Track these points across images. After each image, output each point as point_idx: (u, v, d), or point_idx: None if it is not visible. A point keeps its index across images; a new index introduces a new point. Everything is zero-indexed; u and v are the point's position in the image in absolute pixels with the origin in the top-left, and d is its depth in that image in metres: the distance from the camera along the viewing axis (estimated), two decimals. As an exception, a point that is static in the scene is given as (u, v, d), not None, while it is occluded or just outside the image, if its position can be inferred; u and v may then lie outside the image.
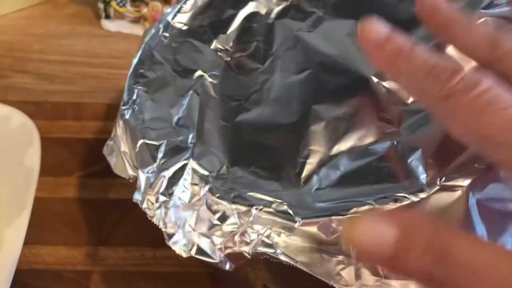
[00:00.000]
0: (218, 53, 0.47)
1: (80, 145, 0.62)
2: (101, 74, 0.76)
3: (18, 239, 0.50)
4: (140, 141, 0.39)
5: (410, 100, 0.41)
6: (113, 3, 0.79)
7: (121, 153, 0.41)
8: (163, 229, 0.37)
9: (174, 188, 0.37)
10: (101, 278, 0.51)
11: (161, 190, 0.37)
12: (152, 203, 0.37)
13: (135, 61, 0.46)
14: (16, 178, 0.54)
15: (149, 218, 0.38)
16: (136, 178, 0.39)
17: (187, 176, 0.37)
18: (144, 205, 0.38)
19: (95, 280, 0.51)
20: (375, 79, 0.42)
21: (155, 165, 0.38)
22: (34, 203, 0.52)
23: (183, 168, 0.37)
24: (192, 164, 0.37)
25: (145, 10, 0.78)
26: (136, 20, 0.81)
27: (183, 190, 0.36)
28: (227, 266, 0.35)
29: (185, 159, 0.38)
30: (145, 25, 0.80)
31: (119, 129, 0.42)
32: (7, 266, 0.48)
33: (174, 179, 0.37)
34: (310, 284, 0.40)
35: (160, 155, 0.38)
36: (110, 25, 0.82)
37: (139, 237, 0.54)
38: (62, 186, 0.58)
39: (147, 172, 0.38)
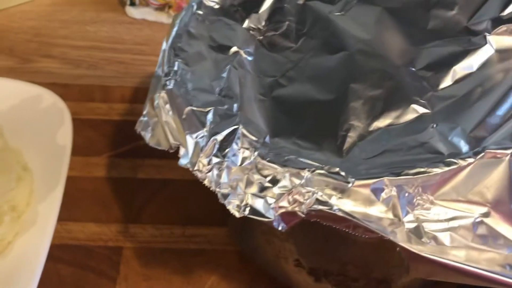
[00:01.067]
0: (251, 31, 0.48)
1: (109, 126, 0.63)
2: (126, 60, 0.77)
3: (52, 215, 0.51)
4: (188, 108, 0.40)
5: (441, 86, 0.42)
6: (139, -10, 0.80)
7: (161, 123, 0.42)
8: (217, 190, 0.38)
9: (227, 150, 0.37)
10: (131, 254, 0.52)
11: (213, 153, 0.38)
12: (204, 165, 0.38)
13: (173, 33, 0.47)
14: (49, 156, 0.55)
15: (200, 180, 0.39)
16: (177, 147, 0.40)
17: (237, 140, 0.37)
18: (196, 168, 0.38)
19: (125, 256, 0.52)
20: (408, 67, 0.43)
21: (205, 129, 0.38)
22: (65, 181, 0.53)
23: (233, 132, 0.38)
24: (242, 129, 0.38)
25: (170, -3, 0.79)
26: (161, 8, 0.82)
27: (234, 154, 0.37)
28: (280, 226, 0.36)
29: (234, 125, 0.38)
30: (170, 12, 0.81)
31: (160, 100, 0.42)
32: (42, 241, 0.49)
33: (226, 142, 0.38)
34: (341, 255, 0.41)
35: (209, 120, 0.38)
36: (134, 12, 0.83)
37: (168, 216, 0.55)
38: (92, 165, 0.59)
39: (196, 137, 0.38)
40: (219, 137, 0.38)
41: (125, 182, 0.58)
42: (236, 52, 0.45)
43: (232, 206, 0.37)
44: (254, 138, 0.38)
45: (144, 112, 0.47)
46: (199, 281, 0.50)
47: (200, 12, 0.48)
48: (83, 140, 0.61)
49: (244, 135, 0.37)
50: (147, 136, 0.44)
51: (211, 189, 0.39)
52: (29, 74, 0.72)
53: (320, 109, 0.41)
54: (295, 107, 0.42)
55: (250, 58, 0.45)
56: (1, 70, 0.73)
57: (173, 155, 0.62)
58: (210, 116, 0.39)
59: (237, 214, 0.37)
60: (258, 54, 0.45)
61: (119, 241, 0.53)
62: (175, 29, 0.47)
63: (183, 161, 0.39)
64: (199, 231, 0.54)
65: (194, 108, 0.40)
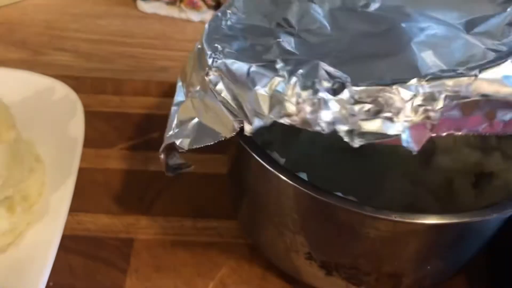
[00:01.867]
0: None
1: (120, 119, 0.63)
2: (137, 54, 0.77)
3: (63, 205, 0.51)
4: (252, 65, 0.37)
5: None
6: (151, -16, 0.80)
7: (215, 110, 0.39)
8: (317, 128, 0.35)
9: (316, 86, 0.35)
10: (142, 246, 0.52)
11: (300, 92, 0.35)
12: (294, 104, 0.35)
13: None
14: (61, 148, 0.55)
15: (295, 124, 0.36)
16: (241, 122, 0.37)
17: (321, 74, 0.35)
18: (283, 113, 0.35)
19: (136, 248, 0.52)
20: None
21: (280, 74, 0.36)
22: (77, 173, 0.53)
23: (315, 67, 0.36)
24: (323, 65, 0.36)
25: (182, -9, 0.80)
26: (172, 2, 0.82)
27: (323, 88, 0.35)
28: (413, 145, 0.33)
29: (313, 63, 0.36)
30: (181, 7, 0.81)
31: (215, 74, 0.38)
32: (54, 231, 0.49)
33: (310, 79, 0.35)
34: (353, 248, 0.41)
35: (280, 65, 0.36)
36: (146, 7, 0.83)
37: (179, 208, 0.55)
38: (104, 157, 0.59)
39: (271, 87, 0.35)
40: (300, 76, 0.35)
41: (137, 174, 0.58)
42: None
43: (344, 133, 0.34)
44: (334, 70, 0.35)
45: (193, 90, 0.41)
46: (209, 273, 0.51)
47: None
48: (94, 133, 0.61)
49: (324, 69, 0.35)
50: (185, 141, 0.40)
51: (309, 129, 0.35)
52: (41, 66, 0.73)
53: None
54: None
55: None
56: (14, 62, 0.73)
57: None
58: (280, 64, 0.36)
59: (356, 144, 0.34)
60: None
61: (130, 232, 0.53)
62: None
63: (259, 123, 0.36)
64: (209, 224, 0.54)
65: (257, 64, 0.37)
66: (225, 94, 0.38)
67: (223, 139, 0.38)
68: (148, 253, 0.52)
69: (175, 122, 0.42)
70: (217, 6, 0.81)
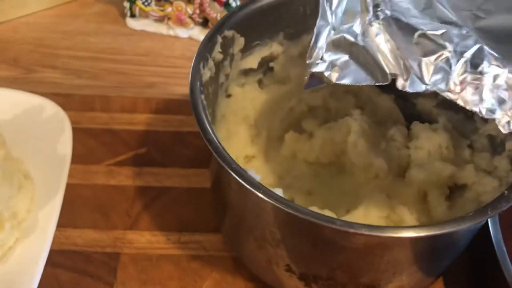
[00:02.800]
0: None
1: (108, 135, 0.65)
2: (126, 70, 0.78)
3: (51, 221, 0.52)
4: (419, 32, 0.39)
5: None
6: (139, 2, 0.82)
7: (371, 55, 0.40)
8: (475, 108, 0.37)
9: (480, 67, 0.37)
10: (128, 260, 0.54)
11: (467, 71, 0.37)
12: (456, 85, 0.37)
13: None
14: (49, 165, 0.57)
15: (453, 100, 0.38)
16: (395, 76, 0.39)
17: (486, 58, 0.38)
18: (445, 88, 0.38)
19: (123, 262, 0.53)
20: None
21: (447, 50, 0.38)
22: (65, 189, 0.55)
23: (481, 50, 0.38)
24: (485, 47, 0.38)
25: (169, 9, 0.81)
26: (160, 19, 0.83)
27: (486, 71, 0.37)
28: None
29: (478, 43, 0.39)
30: (169, 24, 0.83)
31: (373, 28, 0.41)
32: (42, 246, 0.51)
33: (477, 60, 0.38)
34: (329, 260, 0.42)
35: (447, 42, 0.39)
36: (135, 24, 0.85)
37: (165, 223, 0.57)
38: (91, 173, 0.61)
39: (436, 60, 0.38)
40: (468, 55, 0.38)
41: (124, 189, 0.60)
42: None
43: (503, 123, 0.36)
44: (498, 55, 0.38)
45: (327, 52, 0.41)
46: (193, 285, 0.52)
47: None
48: (83, 149, 0.63)
49: (489, 53, 0.38)
50: (334, 75, 0.40)
51: (467, 107, 0.38)
52: (32, 84, 0.74)
53: None
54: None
55: None
56: (5, 80, 0.75)
57: (171, 163, 0.64)
58: (446, 38, 0.39)
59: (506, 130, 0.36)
60: None
61: (116, 247, 0.55)
62: None
63: (417, 87, 0.37)
64: (194, 238, 0.55)
65: (429, 32, 0.39)
66: (384, 47, 0.40)
67: (372, 83, 0.39)
68: (134, 267, 0.53)
69: (321, 50, 0.41)
70: (204, 23, 0.83)
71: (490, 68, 0.38)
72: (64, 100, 0.68)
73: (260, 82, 0.58)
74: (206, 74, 0.47)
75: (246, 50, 0.53)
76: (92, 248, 0.54)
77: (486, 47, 0.39)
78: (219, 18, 0.81)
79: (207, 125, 0.42)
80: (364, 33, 0.41)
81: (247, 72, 0.56)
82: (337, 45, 0.41)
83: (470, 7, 0.44)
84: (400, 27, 0.40)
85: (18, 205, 0.53)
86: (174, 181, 0.60)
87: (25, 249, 0.51)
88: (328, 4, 0.43)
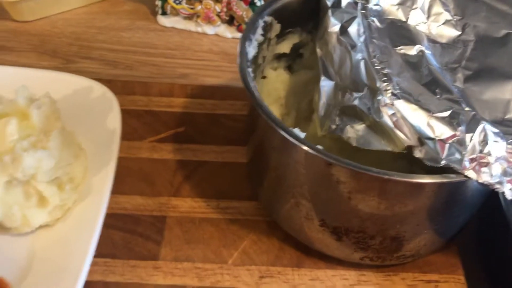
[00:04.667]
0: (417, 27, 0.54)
1: (149, 116, 0.71)
2: (159, 62, 0.85)
3: (106, 186, 0.58)
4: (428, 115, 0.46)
5: None
6: (170, 1, 0.89)
7: None
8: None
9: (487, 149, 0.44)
10: (174, 222, 0.59)
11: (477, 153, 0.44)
12: (473, 161, 0.44)
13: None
14: (100, 139, 0.63)
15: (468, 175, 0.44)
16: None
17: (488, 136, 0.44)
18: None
19: (169, 223, 0.59)
20: None
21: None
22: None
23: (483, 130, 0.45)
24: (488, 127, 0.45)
25: (199, 7, 0.88)
26: (189, 17, 0.90)
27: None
28: None
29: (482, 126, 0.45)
30: (198, 21, 0.90)
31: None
32: (98, 209, 0.56)
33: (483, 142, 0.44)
34: (359, 209, 0.48)
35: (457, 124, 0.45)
36: (165, 21, 0.91)
37: (204, 191, 0.63)
38: (136, 148, 0.67)
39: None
40: (476, 138, 0.44)
41: (166, 163, 0.66)
42: (421, 51, 0.51)
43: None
44: (496, 130, 0.44)
45: None
46: (233, 244, 0.58)
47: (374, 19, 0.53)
48: (127, 127, 0.68)
49: (491, 131, 0.44)
50: (353, 139, 0.48)
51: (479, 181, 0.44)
52: (72, 73, 0.80)
53: None
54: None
55: (430, 52, 0.51)
56: (47, 69, 0.81)
57: (207, 141, 0.70)
58: (454, 117, 0.45)
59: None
60: (433, 48, 0.52)
61: (162, 211, 0.60)
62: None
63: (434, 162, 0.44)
64: (231, 204, 0.61)
65: (438, 115, 0.45)
66: (399, 122, 0.46)
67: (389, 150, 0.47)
68: (179, 228, 0.59)
69: (334, 111, 0.49)
70: (230, 20, 0.90)
71: (494, 145, 0.44)
72: (107, 84, 0.72)
73: (290, 67, 0.65)
74: (250, 53, 0.53)
75: (280, 36, 0.60)
76: (140, 212, 0.60)
77: (487, 125, 0.45)
78: (245, 16, 0.87)
79: (254, 90, 0.48)
80: (378, 110, 0.47)
81: (279, 57, 0.63)
82: (351, 114, 0.48)
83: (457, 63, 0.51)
84: (411, 109, 0.46)
85: (75, 171, 0.59)
86: (210, 156, 0.66)
87: (82, 211, 0.57)
88: (329, 64, 0.51)
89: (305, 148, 0.44)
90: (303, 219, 0.52)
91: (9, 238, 0.56)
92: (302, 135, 0.46)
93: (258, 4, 0.87)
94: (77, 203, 0.58)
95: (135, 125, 0.70)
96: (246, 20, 0.88)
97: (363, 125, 0.48)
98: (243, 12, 0.88)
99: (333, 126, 0.49)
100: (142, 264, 0.56)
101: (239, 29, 0.89)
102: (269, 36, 0.58)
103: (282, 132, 0.45)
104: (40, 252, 0.55)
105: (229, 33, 0.90)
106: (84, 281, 0.50)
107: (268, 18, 0.57)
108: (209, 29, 0.90)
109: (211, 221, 0.60)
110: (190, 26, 0.91)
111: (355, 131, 0.48)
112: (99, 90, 0.68)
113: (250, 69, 0.50)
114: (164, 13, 0.90)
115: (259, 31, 0.55)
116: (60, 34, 0.89)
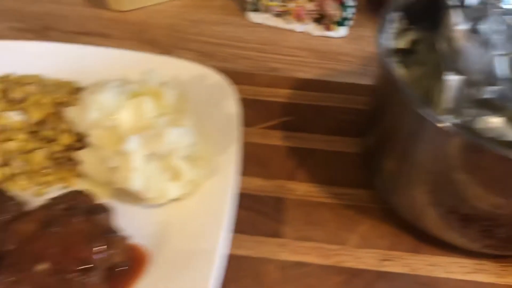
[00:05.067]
0: None
1: (257, 105, 0.74)
2: (252, 56, 0.88)
3: (232, 165, 0.61)
4: None
5: None
6: (264, -3, 0.92)
7: None
8: None
9: None
10: (292, 204, 0.62)
11: None
12: None
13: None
14: (220, 120, 0.66)
15: None
16: None
17: None
18: None
19: (287, 205, 0.62)
20: None
21: None
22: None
23: None
24: None
25: (291, 5, 0.91)
26: (280, 14, 0.94)
27: None
28: None
29: None
30: (288, 18, 0.93)
31: None
32: (228, 188, 0.59)
33: None
34: (497, 203, 0.50)
35: None
36: (255, 17, 0.95)
37: (317, 177, 0.66)
38: (248, 134, 0.70)
39: None
40: None
41: (277, 148, 0.69)
42: None
43: None
44: None
45: None
46: (351, 228, 0.60)
47: None
48: (238, 114, 0.72)
49: None
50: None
51: None
52: (173, 61, 0.84)
53: None
54: None
55: None
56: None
57: (315, 130, 0.73)
58: None
59: None
60: None
61: (280, 193, 0.63)
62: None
63: None
64: (345, 191, 0.64)
65: None
66: None
67: None
68: (298, 210, 0.62)
69: (463, 104, 0.51)
70: (318, 19, 0.93)
71: None
72: (212, 74, 0.77)
73: (405, 62, 0.67)
74: (387, 44, 0.56)
75: (403, 31, 0.63)
76: (261, 193, 0.63)
77: None
78: (335, 15, 0.91)
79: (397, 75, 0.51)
80: None
81: (397, 51, 0.65)
82: (484, 106, 0.50)
83: None
84: None
85: (201, 150, 0.62)
86: (319, 144, 0.69)
87: (213, 188, 0.60)
88: (455, 60, 0.53)
89: (457, 133, 0.47)
90: (428, 206, 0.55)
91: (142, 209, 0.60)
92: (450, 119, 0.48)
93: (350, 4, 0.90)
94: (206, 180, 0.61)
95: (245, 112, 0.73)
96: (336, 19, 0.91)
97: (501, 117, 0.50)
98: (334, 11, 0.91)
99: (462, 118, 0.51)
100: (268, 240, 0.59)
101: (327, 28, 0.93)
102: (393, 32, 0.61)
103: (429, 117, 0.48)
104: (173, 224, 0.58)
105: (317, 31, 0.93)
106: (222, 255, 0.53)
107: (396, 14, 0.59)
108: (297, 27, 0.94)
109: (327, 205, 0.62)
110: (279, 23, 0.94)
111: (489, 123, 0.50)
112: (214, 77, 0.71)
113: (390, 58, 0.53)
114: (255, 9, 0.94)
115: (391, 25, 0.58)
116: (156, 24, 0.93)
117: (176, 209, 0.59)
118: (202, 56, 0.87)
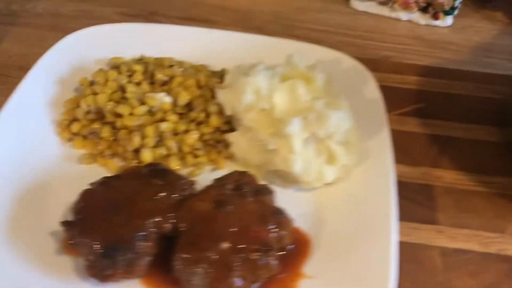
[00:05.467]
0: None
1: (387, 91, 0.71)
2: (360, 44, 0.87)
3: (385, 150, 0.60)
4: None
5: None
6: (370, -15, 0.91)
7: None
8: None
9: None
10: (441, 191, 0.62)
11: None
12: None
13: None
14: (365, 106, 0.65)
15: None
16: None
17: None
18: None
19: (437, 192, 0.62)
20: None
21: None
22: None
23: None
24: None
25: (400, -8, 0.90)
26: (384, 2, 0.92)
27: None
28: None
29: None
30: (394, 7, 0.92)
31: None
32: (385, 175, 0.58)
33: None
34: None
35: None
36: (359, 5, 0.94)
37: (461, 165, 0.65)
38: (384, 119, 0.69)
39: None
40: None
41: (415, 135, 0.68)
42: None
43: None
44: None
45: None
46: (507, 216, 0.59)
47: None
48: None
49: None
50: None
51: None
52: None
53: None
54: None
55: None
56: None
57: (449, 118, 0.70)
58: None
59: None
60: None
61: (427, 180, 0.63)
62: None
63: None
64: (495, 180, 0.63)
65: None
66: None
67: None
68: (448, 197, 0.61)
69: None
70: (424, 8, 0.91)
71: None
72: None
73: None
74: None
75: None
76: (407, 179, 0.62)
77: None
78: (445, 4, 0.89)
79: None
80: None
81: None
82: None
83: None
84: None
85: (351, 136, 0.61)
86: (457, 132, 0.68)
87: (366, 174, 0.59)
88: None
89: None
90: None
91: (294, 192, 0.59)
92: None
93: (459, -5, 0.89)
94: (357, 166, 0.60)
95: (378, 99, 0.72)
96: (445, 8, 0.90)
97: None
98: (445, 0, 0.89)
99: None
100: (424, 227, 0.58)
101: (434, 17, 0.91)
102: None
103: None
104: (329, 208, 0.58)
105: (422, 20, 0.92)
106: (397, 241, 0.52)
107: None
108: (403, 15, 0.92)
109: (479, 193, 0.62)
110: (383, 11, 0.93)
111: None
112: (349, 62, 0.70)
113: None
114: (360, -3, 0.93)
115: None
116: (260, 12, 0.92)
117: (328, 193, 0.59)
118: (310, 43, 0.86)
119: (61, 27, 0.88)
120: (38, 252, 0.53)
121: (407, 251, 0.56)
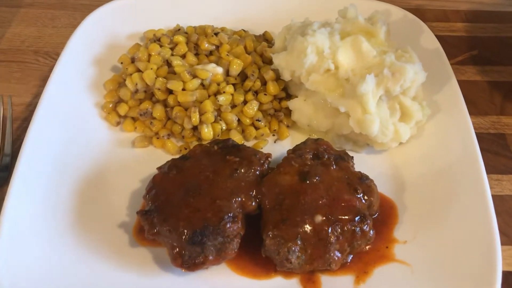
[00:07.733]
0: None
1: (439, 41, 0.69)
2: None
3: (458, 104, 0.57)
4: None
5: None
6: None
7: None
8: None
9: None
10: (512, 140, 0.60)
11: None
12: None
13: None
14: (427, 57, 0.61)
15: None
16: None
17: None
18: None
19: (509, 140, 0.59)
20: None
21: None
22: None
23: None
24: None
25: None
26: None
27: None
28: None
29: None
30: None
31: None
32: (462, 129, 0.55)
33: None
34: None
35: None
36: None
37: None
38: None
39: None
40: None
41: (476, 84, 0.65)
42: None
43: None
44: None
45: None
46: None
47: None
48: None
49: None
50: None
51: None
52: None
53: None
54: None
55: None
56: None
57: (506, 62, 0.67)
58: None
59: None
60: None
61: (497, 129, 0.60)
62: None
63: None
64: None
65: None
66: None
67: None
68: (523, 145, 0.59)
69: None
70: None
71: None
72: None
73: None
74: None
75: None
76: (477, 130, 0.59)
77: None
78: None
79: None
80: None
81: None
82: None
83: None
84: None
85: (419, 91, 0.58)
86: (518, 78, 0.66)
87: (436, 128, 0.57)
88: None
89: None
90: None
91: (368, 156, 0.56)
92: None
93: None
94: (430, 117, 0.58)
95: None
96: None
97: None
98: None
99: None
100: (505, 177, 0.56)
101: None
102: None
103: None
104: (406, 168, 0.55)
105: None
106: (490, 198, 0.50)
107: None
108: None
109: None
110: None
111: None
112: (399, 12, 0.67)
113: None
114: None
115: None
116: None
117: (405, 152, 0.56)
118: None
119: (71, 3, 0.82)
120: (110, 246, 0.50)
121: (494, 204, 0.54)
